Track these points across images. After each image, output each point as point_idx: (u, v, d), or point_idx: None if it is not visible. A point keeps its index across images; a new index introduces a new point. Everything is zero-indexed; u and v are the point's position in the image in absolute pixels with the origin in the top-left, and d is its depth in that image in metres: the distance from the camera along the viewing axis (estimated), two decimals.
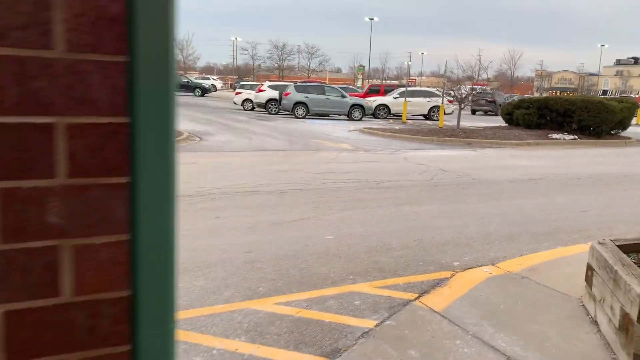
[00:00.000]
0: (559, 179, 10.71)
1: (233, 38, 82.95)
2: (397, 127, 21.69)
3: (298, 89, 26.86)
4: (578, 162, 14.00)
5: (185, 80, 48.42)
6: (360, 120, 26.39)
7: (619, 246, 4.09)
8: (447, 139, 17.70)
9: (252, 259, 5.02)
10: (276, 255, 5.15)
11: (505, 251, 5.66)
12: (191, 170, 9.73)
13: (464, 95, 20.53)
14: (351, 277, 4.68)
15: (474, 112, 39.16)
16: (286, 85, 28.31)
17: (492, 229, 6.62)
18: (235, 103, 32.51)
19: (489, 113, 38.68)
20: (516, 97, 33.51)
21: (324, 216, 6.82)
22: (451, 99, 21.35)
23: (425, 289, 4.46)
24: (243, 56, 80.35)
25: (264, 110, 29.31)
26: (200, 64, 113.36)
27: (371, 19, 76.54)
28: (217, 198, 7.53)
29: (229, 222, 6.29)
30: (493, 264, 5.18)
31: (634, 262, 3.87)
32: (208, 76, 68.11)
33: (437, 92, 28.85)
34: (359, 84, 63.32)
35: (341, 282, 4.55)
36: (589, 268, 4.12)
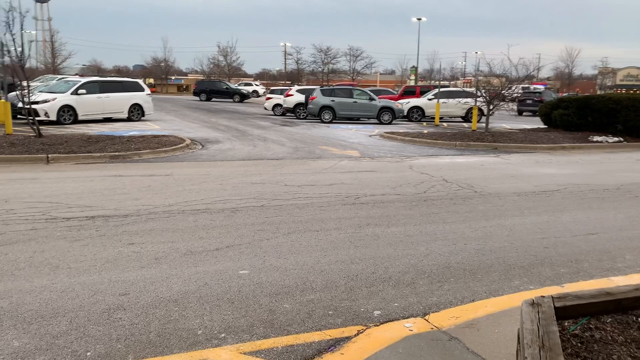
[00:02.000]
0: (578, 191, 9.22)
1: (282, 43, 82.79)
2: (424, 131, 20.32)
3: (324, 92, 25.87)
4: (614, 169, 12.32)
5: (224, 87, 48.48)
6: (389, 123, 25.14)
7: (561, 307, 2.88)
8: (472, 143, 16.23)
9: (120, 305, 4.07)
10: (154, 300, 4.18)
11: (454, 294, 4.46)
12: (155, 184, 8.93)
13: (493, 96, 18.85)
14: (223, 334, 3.64)
15: (520, 112, 36.89)
16: (314, 89, 27.37)
17: (457, 259, 5.39)
18: (266, 108, 31.93)
19: (537, 114, 36.31)
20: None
21: (259, 242, 5.80)
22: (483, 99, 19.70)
23: (306, 357, 3.37)
24: (289, 61, 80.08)
25: (293, 115, 28.53)
26: (256, 69, 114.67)
27: (419, 19, 74.54)
28: (152, 219, 6.65)
29: (138, 251, 5.38)
30: (424, 315, 4.00)
31: (572, 336, 2.66)
32: (250, 82, 68.25)
33: (482, 93, 27.11)
34: (413, 84, 61.65)
35: (204, 342, 3.53)
36: (518, 338, 2.92)
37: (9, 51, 13.00)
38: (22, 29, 12.55)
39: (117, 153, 11.93)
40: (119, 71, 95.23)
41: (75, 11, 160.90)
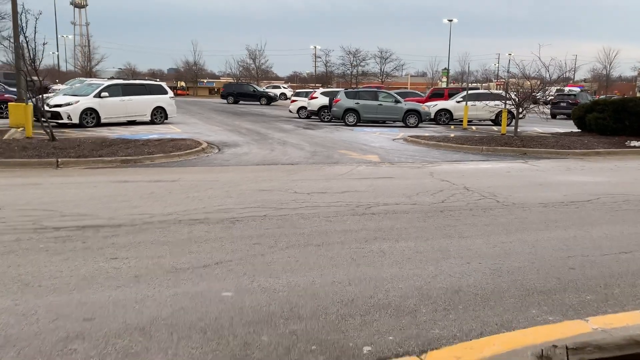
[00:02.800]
0: (612, 202, 8.48)
1: (312, 46, 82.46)
2: (451, 135, 19.60)
3: (348, 95, 25.36)
4: None
5: (252, 90, 48.43)
6: (415, 126, 24.45)
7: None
8: (499, 148, 15.47)
9: (80, 333, 3.66)
10: (119, 328, 3.75)
11: (460, 326, 3.90)
12: (159, 191, 8.58)
13: (523, 98, 18.00)
14: None
15: (554, 115, 35.68)
16: (339, 92, 26.87)
17: (468, 281, 4.82)
18: (290, 111, 31.60)
19: (571, 117, 34.97)
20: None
21: (253, 258, 5.33)
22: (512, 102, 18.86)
23: None
24: (319, 64, 79.70)
25: (317, 118, 28.10)
26: (287, 72, 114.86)
27: (450, 21, 73.24)
28: (145, 230, 6.26)
29: (119, 267, 4.98)
30: (421, 354, 3.46)
31: None
32: (278, 85, 68.13)
33: (511, 95, 26.11)
34: (444, 86, 60.60)
35: None
36: None
37: (23, 54, 12.91)
38: (35, 31, 12.45)
39: (128, 157, 11.67)
40: (153, 74, 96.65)
41: (110, 15, 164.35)
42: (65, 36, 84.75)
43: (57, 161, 10.87)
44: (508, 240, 6.24)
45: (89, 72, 75.10)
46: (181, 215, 6.96)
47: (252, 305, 4.19)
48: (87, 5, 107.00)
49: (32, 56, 12.82)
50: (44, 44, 12.59)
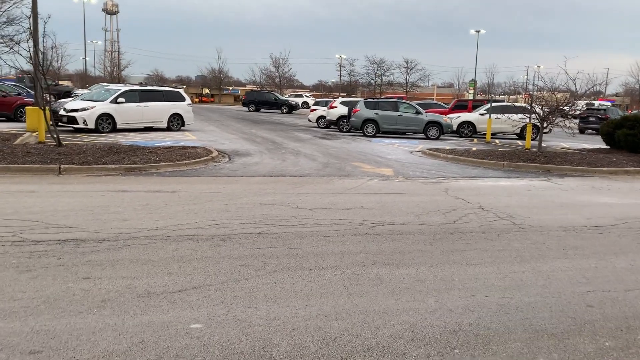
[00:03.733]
0: None
1: (337, 55, 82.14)
2: (472, 149, 18.95)
3: (368, 105, 24.86)
4: None
5: (273, 98, 48.32)
6: (437, 139, 23.82)
7: None
8: (521, 164, 14.79)
9: None
10: None
11: None
12: (156, 202, 8.22)
13: (548, 112, 17.27)
14: None
15: (582, 131, 34.63)
16: (358, 101, 26.40)
17: (470, 318, 4.29)
18: (309, 120, 31.23)
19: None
20: None
21: (235, 283, 4.88)
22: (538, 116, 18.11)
23: None
24: (343, 73, 79.37)
25: (336, 127, 27.67)
26: (313, 81, 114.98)
27: (477, 32, 72.25)
28: (128, 245, 5.88)
29: (88, 289, 4.58)
30: None
31: None
32: (301, 93, 68.00)
33: (535, 108, 25.24)
34: (470, 98, 59.60)
35: None
36: None
37: (31, 57, 12.79)
38: (44, 34, 12.31)
39: (133, 165, 11.38)
40: (181, 81, 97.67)
41: (139, 23, 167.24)
42: (94, 42, 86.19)
43: (60, 168, 10.62)
44: (521, 269, 5.68)
45: (116, 78, 76.13)
46: (170, 231, 6.56)
47: (221, 341, 3.74)
48: (118, 12, 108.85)
49: (42, 60, 12.67)
50: (52, 48, 12.44)
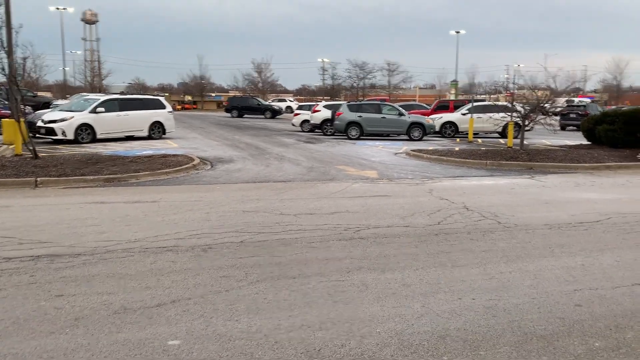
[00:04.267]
0: (624, 222, 7.81)
1: (320, 59, 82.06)
2: (455, 149, 18.96)
3: (351, 108, 24.82)
4: None
5: (256, 103, 48.14)
6: (420, 140, 23.83)
7: None
8: (504, 162, 14.80)
9: None
10: None
11: None
12: (135, 213, 8.03)
13: (528, 110, 17.33)
14: None
15: (563, 127, 34.88)
16: (341, 105, 26.34)
17: (458, 323, 4.19)
18: (293, 125, 31.12)
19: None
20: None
21: (215, 295, 4.73)
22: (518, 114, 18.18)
23: None
24: (326, 77, 79.37)
25: (320, 131, 27.57)
26: (296, 85, 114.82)
27: (457, 32, 72.83)
28: (105, 259, 5.69)
29: (61, 307, 4.40)
30: None
31: None
32: (284, 98, 67.89)
33: (517, 107, 25.34)
34: (452, 98, 59.90)
35: None
36: None
37: (3, 69, 12.51)
38: (16, 44, 12.02)
39: (113, 175, 11.15)
40: (163, 89, 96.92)
41: (120, 31, 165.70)
42: (74, 52, 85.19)
43: (36, 181, 10.36)
44: (507, 269, 5.60)
45: (96, 88, 75.33)
46: (150, 242, 6.38)
47: (200, 357, 3.59)
48: (97, 21, 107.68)
49: (13, 71, 12.40)
50: (25, 59, 12.16)
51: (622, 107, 43.91)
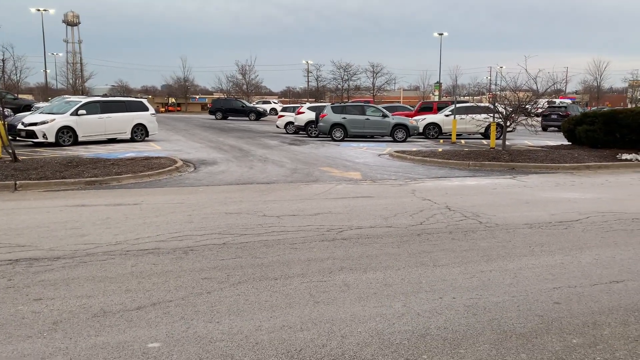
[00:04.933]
0: (602, 221, 7.92)
1: (304, 61, 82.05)
2: (438, 150, 19.08)
3: (335, 109, 24.86)
4: None
5: (240, 105, 47.99)
6: (403, 141, 23.95)
7: None
8: (487, 163, 14.94)
9: None
10: None
11: None
12: (116, 216, 7.95)
13: (510, 111, 17.52)
14: None
15: (545, 128, 35.30)
16: (325, 106, 26.38)
17: (438, 322, 4.21)
18: (278, 127, 31.08)
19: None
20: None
21: (197, 297, 4.71)
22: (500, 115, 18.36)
23: None
24: (310, 78, 79.42)
25: (305, 133, 27.58)
26: (281, 87, 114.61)
27: (440, 34, 73.34)
28: (85, 262, 5.63)
29: (39, 311, 4.35)
30: None
31: None
32: (269, 100, 67.78)
33: (499, 108, 25.56)
34: (435, 100, 60.18)
35: None
36: None
37: None
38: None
39: (94, 178, 11.04)
40: (146, 91, 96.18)
41: (102, 33, 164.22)
42: (55, 54, 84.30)
43: (15, 184, 10.23)
44: (488, 268, 5.65)
45: (79, 90, 74.51)
46: (130, 245, 6.33)
47: (182, 358, 3.56)
48: (79, 23, 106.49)
49: None
50: (3, 60, 11.99)
51: (603, 108, 44.65)
